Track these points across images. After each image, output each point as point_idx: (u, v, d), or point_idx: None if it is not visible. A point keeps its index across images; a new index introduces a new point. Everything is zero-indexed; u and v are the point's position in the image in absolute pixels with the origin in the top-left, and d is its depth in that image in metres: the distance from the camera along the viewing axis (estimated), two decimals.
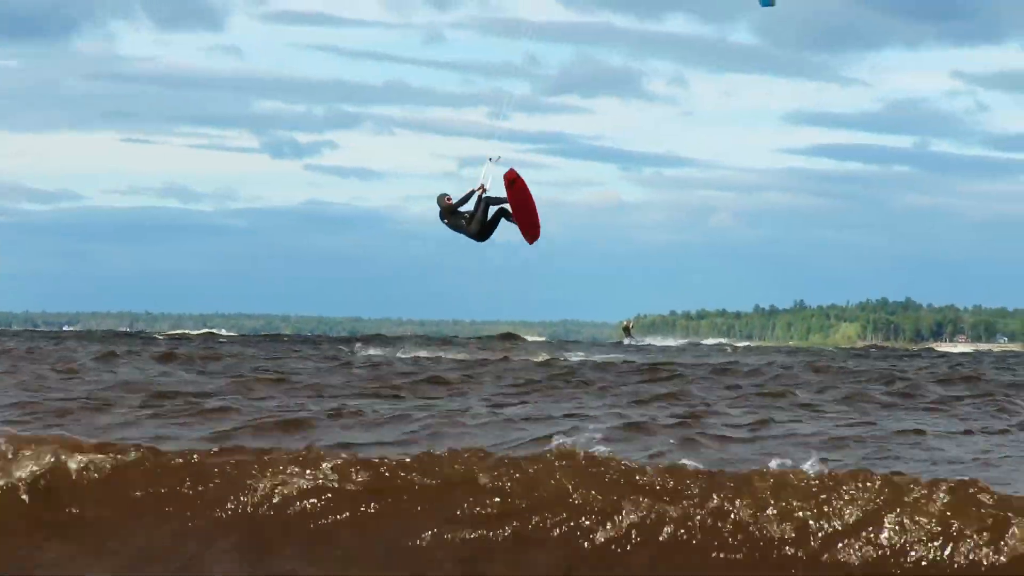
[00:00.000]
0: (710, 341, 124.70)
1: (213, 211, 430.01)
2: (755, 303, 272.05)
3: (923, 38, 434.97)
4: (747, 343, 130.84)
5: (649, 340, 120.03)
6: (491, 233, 21.88)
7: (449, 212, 21.74)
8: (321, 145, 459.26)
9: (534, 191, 21.31)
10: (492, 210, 21.74)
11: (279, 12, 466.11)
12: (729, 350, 73.45)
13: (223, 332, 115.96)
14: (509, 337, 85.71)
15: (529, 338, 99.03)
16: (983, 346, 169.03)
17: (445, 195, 21.72)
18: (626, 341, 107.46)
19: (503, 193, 21.41)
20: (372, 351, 45.66)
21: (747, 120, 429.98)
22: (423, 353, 44.40)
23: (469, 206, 21.65)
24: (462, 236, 21.62)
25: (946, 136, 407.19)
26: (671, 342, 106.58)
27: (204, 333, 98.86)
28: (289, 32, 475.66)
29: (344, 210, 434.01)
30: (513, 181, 21.26)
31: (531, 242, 21.61)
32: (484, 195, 21.59)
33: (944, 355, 72.75)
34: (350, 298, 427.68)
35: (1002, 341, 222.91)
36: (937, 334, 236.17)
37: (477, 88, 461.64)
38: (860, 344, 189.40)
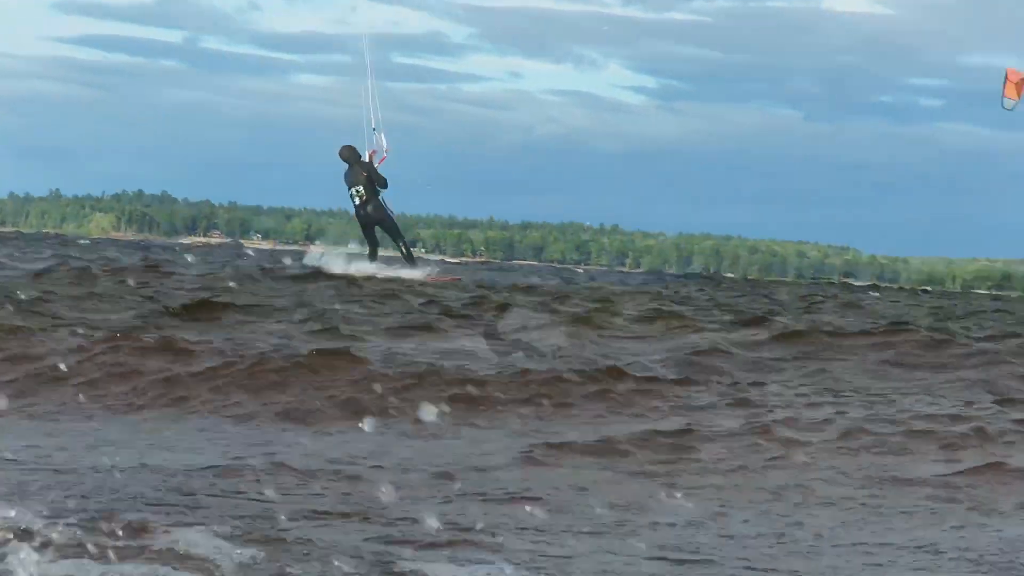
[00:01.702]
0: None
1: None
2: (10, 190, 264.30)
3: None
4: None
5: None
6: None
7: (367, 166, 25.56)
8: None
9: None
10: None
11: None
12: None
13: None
14: None
15: None
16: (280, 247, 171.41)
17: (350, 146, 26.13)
18: None
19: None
20: None
21: (14, 6, 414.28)
22: None
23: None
24: None
25: (216, 33, 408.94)
26: None
27: None
28: None
29: None
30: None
31: None
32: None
33: None
34: None
35: (255, 237, 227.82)
36: (192, 228, 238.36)
37: None
38: (117, 235, 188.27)
